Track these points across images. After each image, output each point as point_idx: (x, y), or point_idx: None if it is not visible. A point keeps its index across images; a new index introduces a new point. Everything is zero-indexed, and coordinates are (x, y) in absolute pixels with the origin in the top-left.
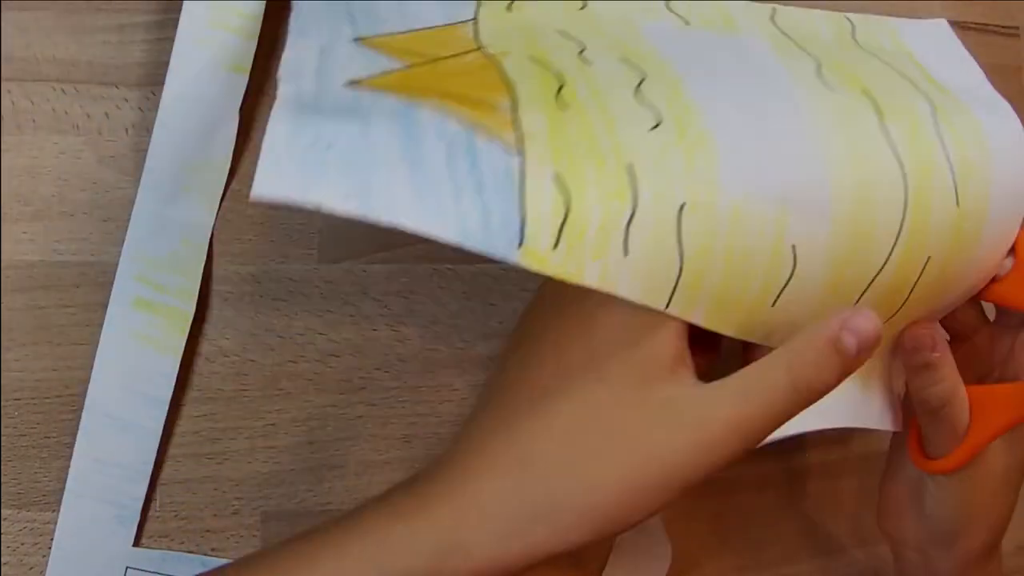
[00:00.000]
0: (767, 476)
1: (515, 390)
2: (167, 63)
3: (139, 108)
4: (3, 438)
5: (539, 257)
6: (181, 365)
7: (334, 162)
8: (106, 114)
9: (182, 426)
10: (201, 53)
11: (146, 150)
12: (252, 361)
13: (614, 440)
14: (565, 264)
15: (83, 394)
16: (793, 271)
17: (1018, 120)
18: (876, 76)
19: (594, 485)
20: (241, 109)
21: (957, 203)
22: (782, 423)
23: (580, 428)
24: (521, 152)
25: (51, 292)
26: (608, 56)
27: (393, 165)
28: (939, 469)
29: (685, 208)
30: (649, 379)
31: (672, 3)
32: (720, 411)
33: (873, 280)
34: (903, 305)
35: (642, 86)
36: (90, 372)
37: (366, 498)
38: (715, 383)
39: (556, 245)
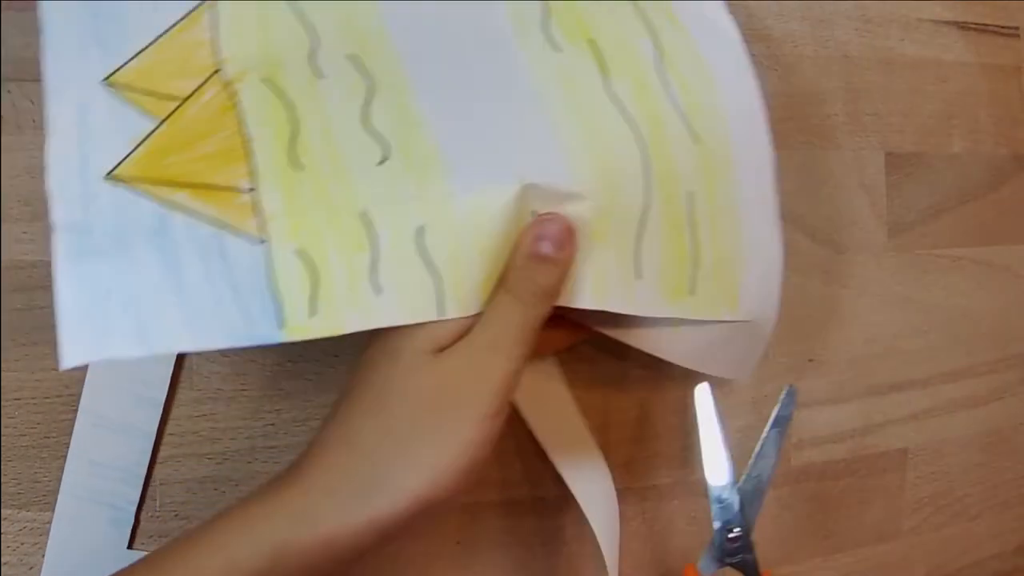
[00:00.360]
0: None
1: (342, 390)
2: None
3: None
4: (3, 438)
5: (301, 328)
6: (181, 365)
7: (116, 310)
8: None
9: (182, 426)
10: None
11: None
12: (252, 361)
13: (415, 404)
14: (326, 325)
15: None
16: None
17: (742, 47)
18: (605, 16)
19: (412, 454)
20: None
21: (695, 141)
22: (533, 332)
23: (383, 401)
24: (265, 238)
25: (51, 292)
26: (338, 54)
27: (162, 294)
28: None
29: (423, 229)
30: (432, 351)
31: None
32: (478, 345)
33: (641, 220)
34: (697, 242)
35: (371, 106)
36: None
37: None
38: (469, 334)
39: (313, 313)
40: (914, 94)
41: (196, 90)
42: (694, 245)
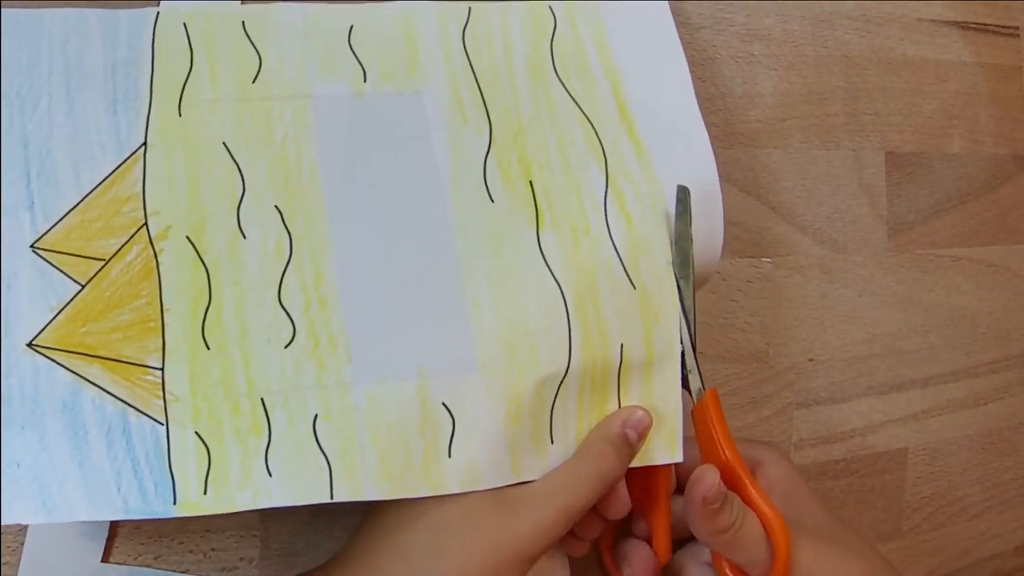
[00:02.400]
0: None
1: (395, 507)
2: None
3: None
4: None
5: (193, 506)
6: None
7: (24, 480)
8: None
9: None
10: None
11: None
12: None
13: (473, 531)
14: (216, 503)
15: None
16: (454, 422)
17: (711, 156)
18: (550, 142)
19: (460, 567)
20: None
21: (633, 286)
22: (593, 503)
23: (446, 524)
24: (166, 420)
25: None
26: (266, 203)
27: (66, 469)
28: None
29: (319, 418)
30: (498, 488)
31: (355, 40)
32: (551, 503)
33: (559, 388)
34: (627, 393)
35: (287, 273)
36: None
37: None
38: (545, 477)
39: (206, 491)
40: (914, 94)
41: (120, 249)
42: (621, 397)
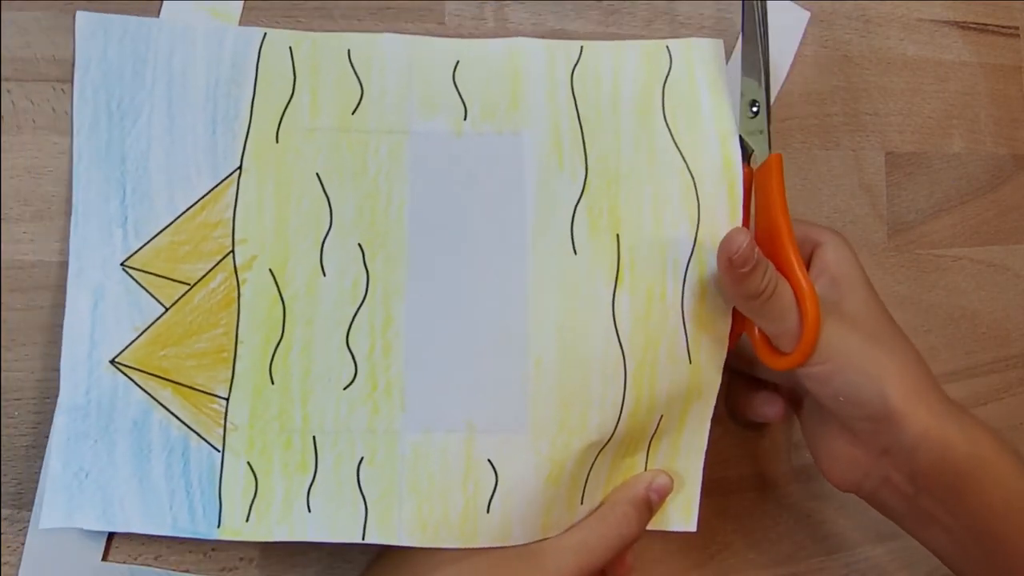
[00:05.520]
0: (767, 476)
1: (426, 555)
2: None
3: None
4: (3, 438)
5: (235, 531)
6: None
7: (89, 489)
8: None
9: None
10: None
11: None
12: None
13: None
14: (255, 532)
15: None
16: (497, 479)
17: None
18: (646, 199)
19: None
20: None
21: (690, 360)
22: (609, 561)
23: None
24: (223, 448)
25: (51, 292)
26: (350, 240)
27: (128, 483)
28: (801, 355)
29: (363, 462)
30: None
31: (459, 76)
32: (574, 559)
33: (598, 455)
34: (650, 447)
35: (359, 315)
36: None
37: None
38: (569, 532)
39: (248, 519)
40: (914, 94)
41: (205, 275)
42: (649, 460)
